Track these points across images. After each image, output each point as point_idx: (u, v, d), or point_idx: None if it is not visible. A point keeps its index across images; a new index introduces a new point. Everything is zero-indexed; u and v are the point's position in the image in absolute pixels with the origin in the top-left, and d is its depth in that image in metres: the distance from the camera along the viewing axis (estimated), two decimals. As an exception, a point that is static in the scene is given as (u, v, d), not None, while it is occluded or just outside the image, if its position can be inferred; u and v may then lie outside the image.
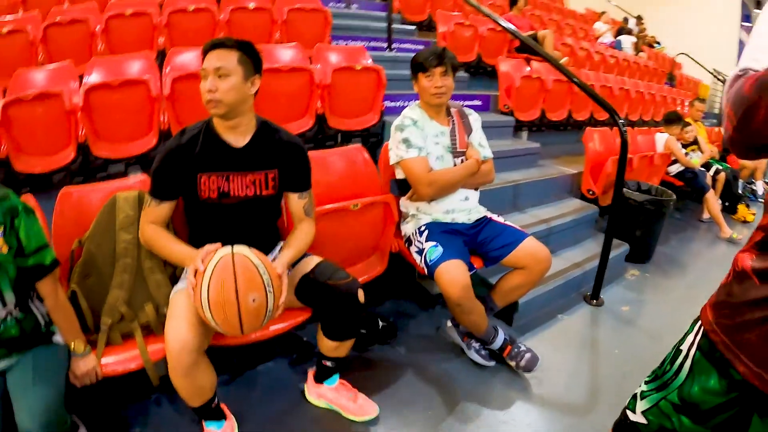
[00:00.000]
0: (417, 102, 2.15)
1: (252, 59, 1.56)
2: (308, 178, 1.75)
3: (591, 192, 3.52)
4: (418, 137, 2.00)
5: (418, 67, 2.04)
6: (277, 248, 1.79)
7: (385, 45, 4.49)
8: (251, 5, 3.82)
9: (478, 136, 2.18)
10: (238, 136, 1.60)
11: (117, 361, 1.50)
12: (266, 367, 2.07)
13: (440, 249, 1.93)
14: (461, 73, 4.51)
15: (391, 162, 2.08)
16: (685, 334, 0.98)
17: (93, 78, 2.76)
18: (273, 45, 3.46)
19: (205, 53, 1.53)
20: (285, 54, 3.31)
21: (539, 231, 2.88)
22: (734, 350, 0.84)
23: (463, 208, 2.12)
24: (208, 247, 1.45)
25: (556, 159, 4.09)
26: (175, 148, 1.56)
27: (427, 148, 2.03)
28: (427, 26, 5.58)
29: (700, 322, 0.94)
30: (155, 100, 2.64)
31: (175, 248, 1.55)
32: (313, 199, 1.77)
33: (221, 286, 1.33)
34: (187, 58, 3.05)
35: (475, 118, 2.22)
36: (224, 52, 1.50)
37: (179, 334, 1.38)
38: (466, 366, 2.14)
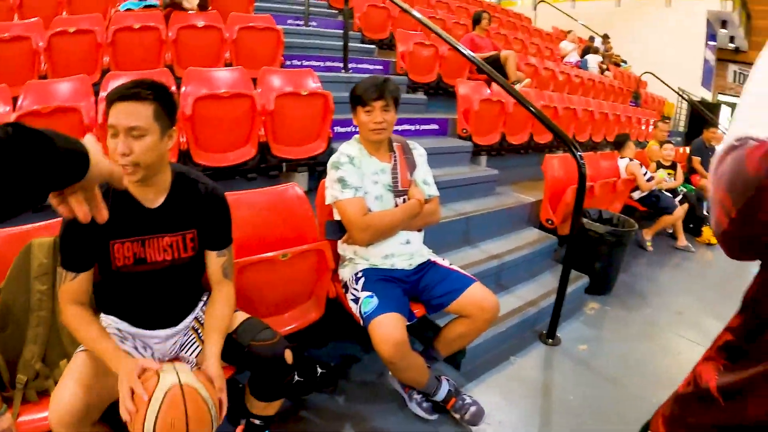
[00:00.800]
0: (357, 136, 2.01)
1: (168, 110, 1.35)
2: (229, 234, 1.58)
3: (550, 221, 3.41)
4: (354, 176, 1.85)
5: (357, 100, 1.91)
6: (201, 303, 1.63)
7: (341, 65, 4.35)
8: (200, 23, 3.64)
9: (422, 173, 2.05)
10: (152, 194, 1.42)
11: (33, 419, 1.41)
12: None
13: (375, 301, 1.77)
14: (420, 96, 4.40)
15: (327, 202, 1.92)
16: None
17: (26, 104, 2.60)
18: (213, 69, 3.29)
19: (111, 103, 1.28)
20: (226, 78, 3.14)
21: (490, 268, 2.75)
22: None
23: (404, 252, 1.97)
24: (144, 363, 1.26)
25: (515, 185, 4.00)
26: None
27: (365, 187, 1.89)
28: (387, 45, 5.48)
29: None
30: (88, 129, 2.47)
31: (100, 345, 1.31)
32: (233, 255, 1.60)
33: (171, 428, 1.17)
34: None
35: (420, 153, 2.09)
36: (137, 106, 1.28)
37: (59, 406, 1.22)
38: (409, 418, 1.99)
